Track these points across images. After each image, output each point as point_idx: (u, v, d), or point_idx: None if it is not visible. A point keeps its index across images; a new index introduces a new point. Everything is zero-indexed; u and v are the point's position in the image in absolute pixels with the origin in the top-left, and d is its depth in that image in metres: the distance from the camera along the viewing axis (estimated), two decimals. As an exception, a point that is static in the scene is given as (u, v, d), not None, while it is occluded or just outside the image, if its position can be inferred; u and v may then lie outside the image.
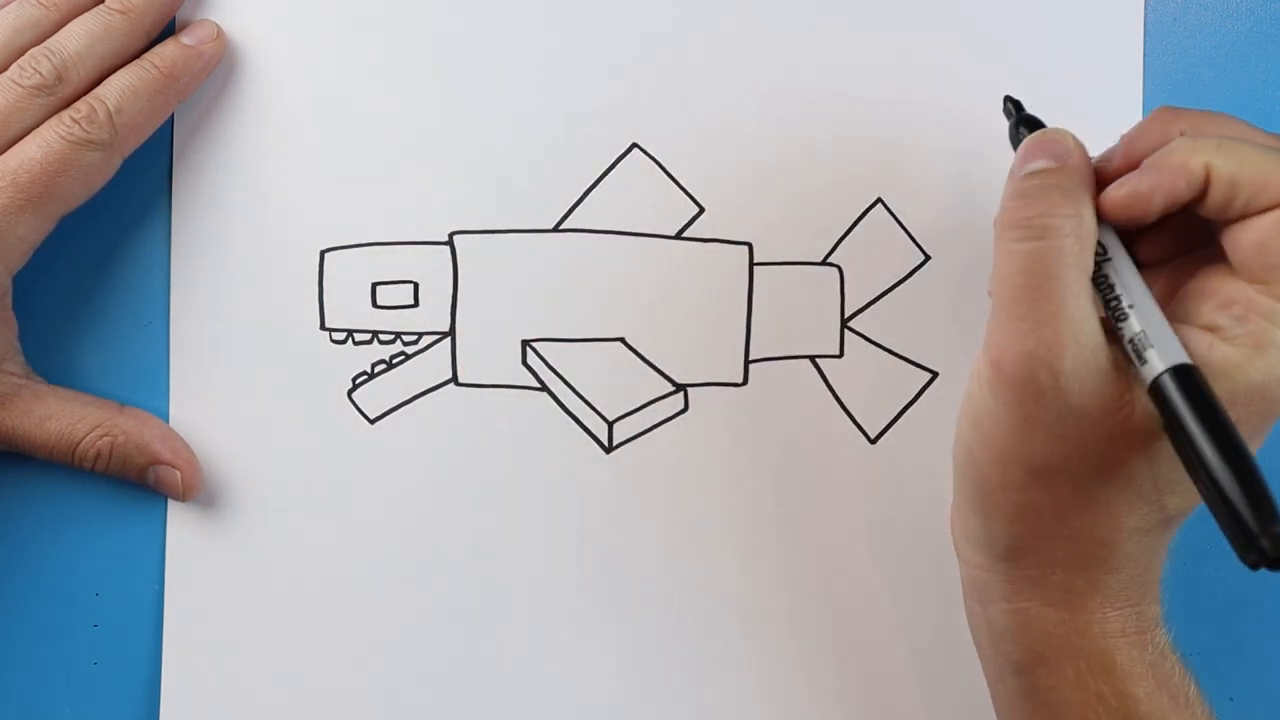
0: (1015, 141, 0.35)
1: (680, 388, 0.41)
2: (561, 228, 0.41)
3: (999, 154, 0.40)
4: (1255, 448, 0.30)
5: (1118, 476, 0.30)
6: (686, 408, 0.41)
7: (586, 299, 0.41)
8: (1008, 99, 0.36)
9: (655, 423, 0.41)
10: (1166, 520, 0.31)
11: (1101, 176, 0.32)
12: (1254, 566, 0.26)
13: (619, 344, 0.41)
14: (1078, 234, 0.30)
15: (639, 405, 0.41)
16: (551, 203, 0.40)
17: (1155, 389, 0.29)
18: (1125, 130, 0.33)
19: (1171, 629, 0.32)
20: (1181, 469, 0.29)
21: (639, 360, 0.41)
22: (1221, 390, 0.29)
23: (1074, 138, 0.32)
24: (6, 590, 0.41)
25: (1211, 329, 0.30)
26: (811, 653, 0.40)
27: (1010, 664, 0.33)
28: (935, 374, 0.41)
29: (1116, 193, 0.31)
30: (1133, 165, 0.32)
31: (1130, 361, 0.30)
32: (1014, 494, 0.31)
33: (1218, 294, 0.30)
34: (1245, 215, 0.30)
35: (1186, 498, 0.31)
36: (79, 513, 0.41)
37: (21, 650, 0.41)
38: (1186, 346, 0.29)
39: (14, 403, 0.38)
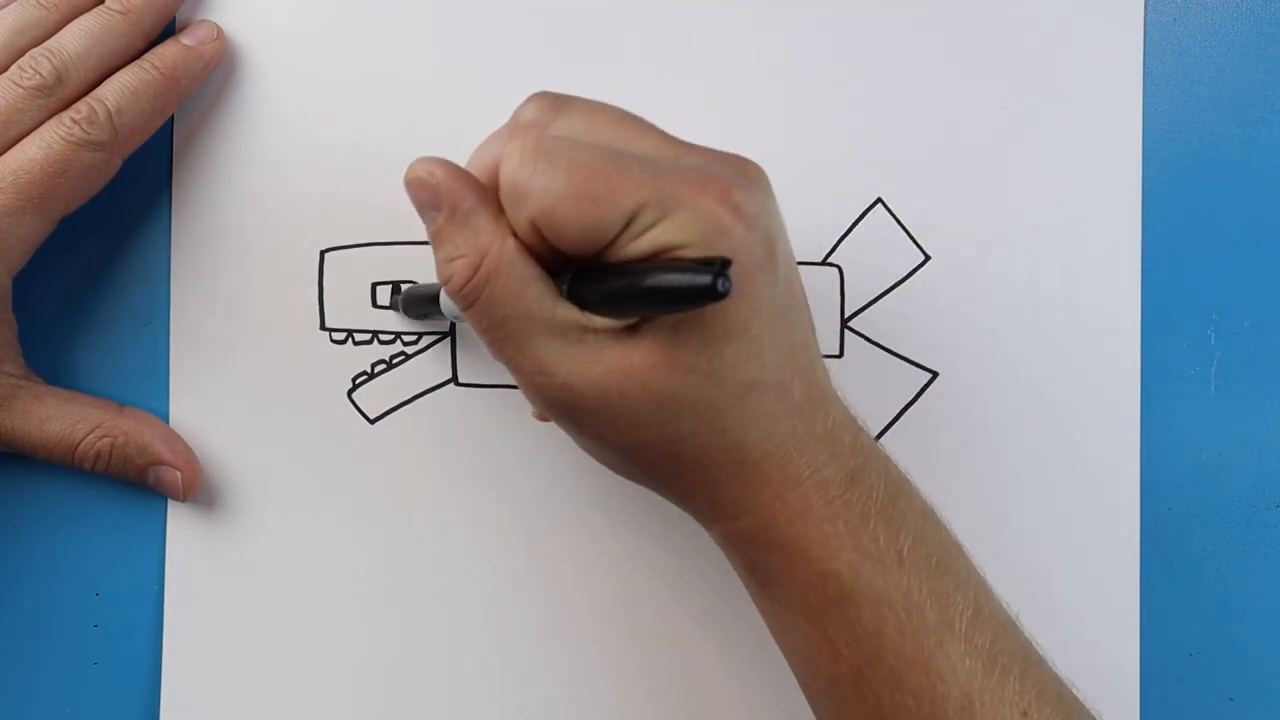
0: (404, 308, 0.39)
1: (680, 388, 0.41)
2: (561, 228, 0.40)
3: (999, 154, 0.40)
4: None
5: (677, 402, 0.29)
6: (686, 408, 0.41)
7: (586, 299, 0.41)
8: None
9: (655, 423, 0.41)
10: (742, 389, 0.30)
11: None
12: (724, 295, 0.26)
13: (619, 344, 0.41)
14: (502, 264, 0.29)
15: (639, 405, 0.41)
16: (551, 203, 0.40)
17: (583, 299, 0.29)
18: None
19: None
20: (700, 348, 0.29)
21: (639, 360, 0.41)
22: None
23: (428, 168, 0.29)
24: (7, 590, 0.41)
25: None
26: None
27: (751, 584, 0.33)
28: (935, 374, 0.41)
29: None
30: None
31: (591, 321, 0.29)
32: (636, 471, 0.32)
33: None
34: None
35: (738, 358, 0.29)
36: (79, 513, 0.41)
37: (21, 650, 0.41)
38: None
39: (13, 404, 0.38)
